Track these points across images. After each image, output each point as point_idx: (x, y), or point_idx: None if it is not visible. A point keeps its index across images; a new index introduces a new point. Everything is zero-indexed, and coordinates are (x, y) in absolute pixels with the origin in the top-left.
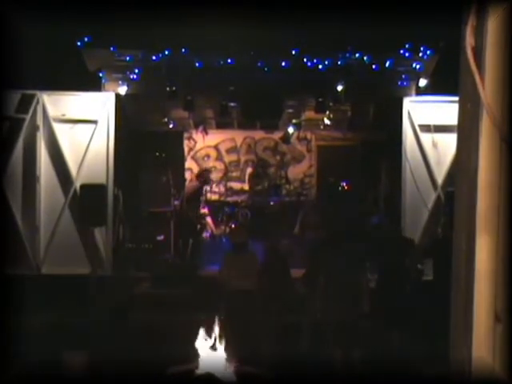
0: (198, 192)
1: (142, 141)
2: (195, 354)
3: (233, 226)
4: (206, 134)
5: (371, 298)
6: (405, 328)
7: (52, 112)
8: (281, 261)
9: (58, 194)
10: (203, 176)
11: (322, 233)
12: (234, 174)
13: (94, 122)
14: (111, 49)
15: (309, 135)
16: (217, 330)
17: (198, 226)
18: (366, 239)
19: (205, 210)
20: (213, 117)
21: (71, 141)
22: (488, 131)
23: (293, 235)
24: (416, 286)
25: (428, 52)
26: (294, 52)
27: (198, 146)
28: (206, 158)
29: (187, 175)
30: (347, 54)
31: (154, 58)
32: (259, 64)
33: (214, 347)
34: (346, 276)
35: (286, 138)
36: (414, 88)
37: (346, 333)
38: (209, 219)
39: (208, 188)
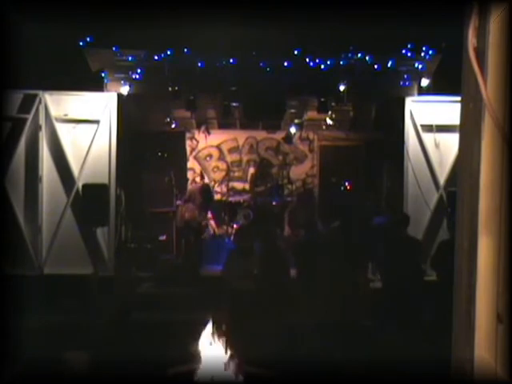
0: (199, 199)
1: (144, 141)
2: (196, 354)
3: (235, 226)
4: (209, 133)
5: (372, 298)
6: (408, 327)
7: (54, 112)
8: (281, 261)
9: (60, 194)
10: (204, 191)
11: (310, 230)
12: (236, 174)
13: (97, 121)
14: (113, 49)
15: (311, 135)
16: (218, 329)
17: (200, 226)
18: (367, 239)
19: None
20: (215, 117)
21: (73, 141)
22: (490, 131)
23: (285, 236)
24: (419, 286)
25: (430, 52)
26: (296, 52)
27: (201, 146)
28: (208, 158)
29: (189, 175)
30: (349, 54)
31: (156, 58)
32: (261, 64)
33: (214, 347)
34: (343, 276)
35: (288, 138)
36: (416, 88)
37: (346, 333)
38: (211, 219)
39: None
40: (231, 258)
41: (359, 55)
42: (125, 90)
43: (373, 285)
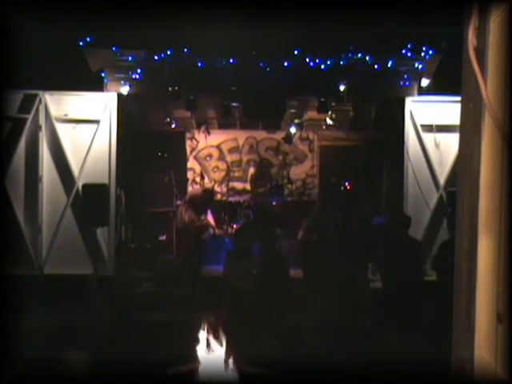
0: (200, 203)
1: (144, 141)
2: (196, 354)
3: (235, 226)
4: (209, 133)
5: (373, 297)
6: (408, 328)
7: (54, 112)
8: (281, 261)
9: (60, 194)
10: (205, 196)
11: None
12: (237, 174)
13: (97, 121)
14: (113, 49)
15: (311, 135)
16: (218, 329)
17: (200, 227)
18: (368, 239)
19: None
20: (215, 117)
21: (73, 141)
22: (490, 131)
23: (295, 238)
24: (419, 286)
25: (430, 52)
26: (296, 52)
27: (201, 146)
28: (208, 158)
29: (189, 175)
30: (349, 54)
31: (156, 57)
32: (261, 64)
33: (214, 347)
34: (345, 277)
35: (288, 138)
36: (416, 88)
37: (346, 333)
38: (211, 219)
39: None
40: (231, 258)
41: (359, 55)
42: (125, 90)
43: (373, 285)
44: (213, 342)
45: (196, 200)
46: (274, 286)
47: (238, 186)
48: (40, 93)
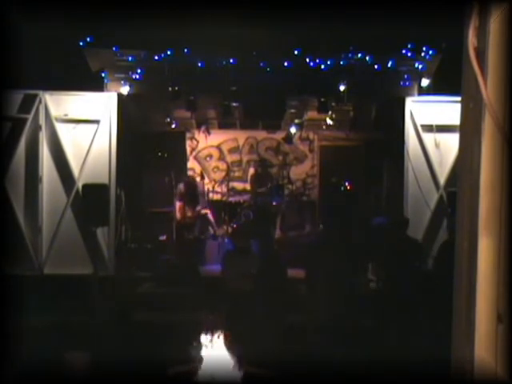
0: (185, 196)
1: (144, 141)
2: (196, 354)
3: (235, 226)
4: (209, 134)
5: (373, 297)
6: (408, 327)
7: (54, 112)
8: (280, 261)
9: (60, 194)
10: (187, 187)
11: (302, 232)
12: (237, 174)
13: (97, 122)
14: (113, 49)
15: (311, 135)
16: (218, 329)
17: (200, 226)
18: (368, 240)
19: (206, 210)
20: (215, 117)
21: (73, 141)
22: (490, 131)
23: (276, 238)
24: (419, 286)
25: (430, 52)
26: (296, 52)
27: (201, 146)
28: (208, 158)
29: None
30: (349, 54)
31: (156, 58)
32: (261, 64)
33: (214, 347)
34: (345, 277)
35: (288, 138)
36: (416, 88)
37: (346, 333)
38: (211, 219)
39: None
40: (230, 258)
41: (359, 55)
42: (125, 90)
43: (373, 285)
44: (213, 342)
45: (182, 194)
46: (273, 285)
47: (238, 186)
48: (40, 93)
